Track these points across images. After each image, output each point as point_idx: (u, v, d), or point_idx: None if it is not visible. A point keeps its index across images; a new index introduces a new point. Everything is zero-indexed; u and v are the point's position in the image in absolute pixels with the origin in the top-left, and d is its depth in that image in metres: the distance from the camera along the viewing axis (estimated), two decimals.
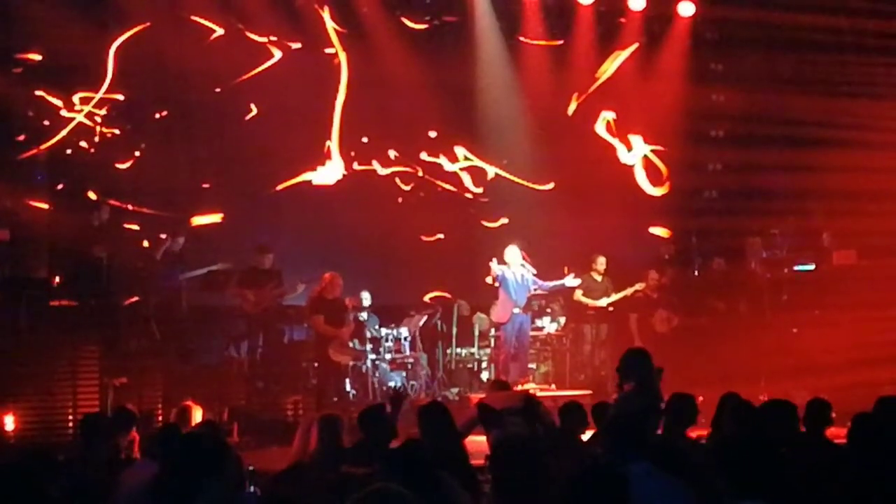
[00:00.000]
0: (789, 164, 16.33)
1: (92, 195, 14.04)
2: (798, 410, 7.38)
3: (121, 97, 14.57)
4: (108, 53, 14.36)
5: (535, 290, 15.29)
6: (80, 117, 14.24)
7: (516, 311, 14.96)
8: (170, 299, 14.35)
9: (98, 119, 14.41)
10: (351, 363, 14.87)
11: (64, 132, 14.03)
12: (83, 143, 14.32)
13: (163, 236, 14.51)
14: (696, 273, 16.82)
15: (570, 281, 15.40)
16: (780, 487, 4.82)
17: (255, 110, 15.50)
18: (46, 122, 13.97)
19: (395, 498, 4.10)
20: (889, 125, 15.76)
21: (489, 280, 15.19)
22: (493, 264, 14.90)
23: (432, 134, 16.93)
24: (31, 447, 10.48)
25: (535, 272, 15.33)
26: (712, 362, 14.70)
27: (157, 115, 15.12)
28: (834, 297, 15.03)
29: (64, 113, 14.09)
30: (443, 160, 17.00)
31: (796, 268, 15.67)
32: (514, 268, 15.04)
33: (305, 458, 7.72)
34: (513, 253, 15.12)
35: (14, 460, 7.26)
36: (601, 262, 16.09)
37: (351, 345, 14.96)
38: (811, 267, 15.52)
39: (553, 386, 15.41)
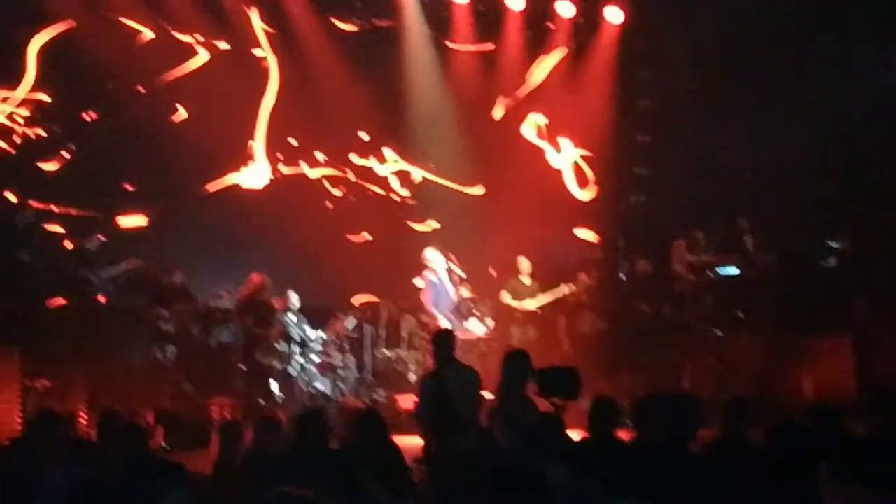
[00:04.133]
0: (713, 170, 16.57)
1: (12, 196, 13.80)
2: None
3: (46, 98, 14.35)
4: (27, 52, 14.14)
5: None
6: None
7: (443, 321, 15.07)
8: (93, 301, 14.18)
9: (20, 120, 14.18)
10: (278, 366, 14.80)
11: None
12: (3, 145, 14.08)
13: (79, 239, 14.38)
14: (623, 276, 16.95)
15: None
16: (654, 488, 4.91)
17: (182, 112, 15.36)
18: None
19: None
20: None
21: (418, 283, 15.27)
22: (426, 273, 15.03)
23: (364, 136, 16.92)
24: None
25: (464, 276, 15.45)
26: (636, 366, 14.88)
27: (86, 117, 14.92)
28: (757, 299, 15.26)
29: None
30: (373, 162, 17.00)
31: (720, 271, 15.84)
32: (440, 273, 15.15)
33: (234, 460, 7.71)
34: (434, 256, 15.18)
35: None
36: (525, 264, 16.15)
37: (278, 347, 14.90)
38: (735, 271, 15.70)
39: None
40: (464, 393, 9.09)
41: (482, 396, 9.44)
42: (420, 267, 15.50)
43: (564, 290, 16.04)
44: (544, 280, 16.38)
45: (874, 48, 15.97)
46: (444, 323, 14.98)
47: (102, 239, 14.42)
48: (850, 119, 16.00)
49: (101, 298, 14.11)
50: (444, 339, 9.94)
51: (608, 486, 5.06)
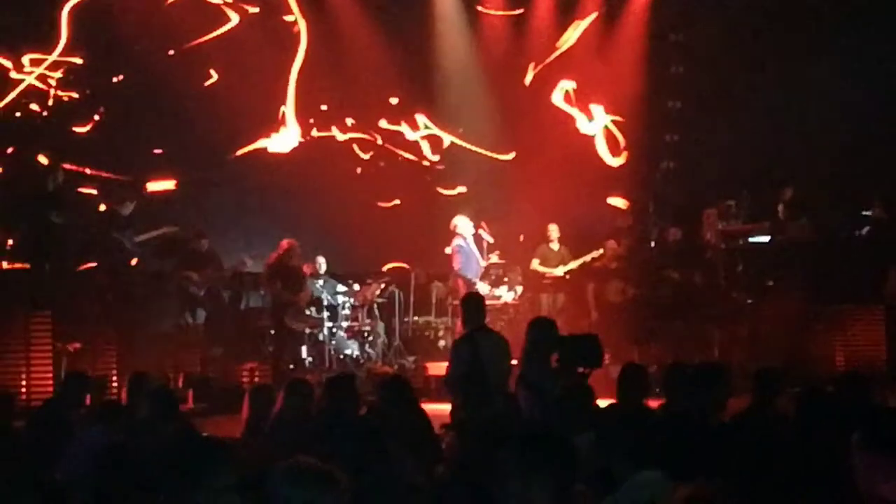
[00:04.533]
0: (746, 137, 16.45)
1: (44, 159, 13.85)
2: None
3: (79, 61, 14.37)
4: (61, 15, 14.15)
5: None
6: (30, 79, 14.03)
7: (480, 284, 15.10)
8: (125, 264, 14.23)
9: (52, 82, 14.22)
10: (307, 331, 14.86)
11: (13, 95, 13.83)
12: (34, 106, 14.12)
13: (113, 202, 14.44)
14: (653, 244, 16.87)
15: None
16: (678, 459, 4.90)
17: (214, 76, 15.37)
18: None
19: (330, 479, 4.15)
20: None
21: (448, 251, 15.29)
22: (455, 239, 15.05)
23: (394, 101, 16.89)
24: None
25: (492, 241, 15.48)
26: (666, 334, 14.85)
27: (115, 80, 14.95)
28: (788, 268, 15.19)
29: (13, 75, 13.88)
30: (404, 128, 16.97)
31: (751, 239, 15.76)
32: (468, 239, 15.16)
33: (265, 424, 7.73)
34: (463, 223, 15.19)
35: None
36: (554, 230, 16.13)
37: (308, 312, 14.95)
38: (766, 239, 15.62)
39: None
40: (496, 359, 9.08)
41: (511, 365, 9.42)
42: (450, 234, 15.49)
43: (594, 254, 16.00)
44: (574, 247, 16.34)
45: None
46: (480, 287, 15.01)
47: (131, 206, 14.43)
48: (887, 86, 15.83)
49: (133, 262, 14.15)
50: (474, 302, 9.91)
51: (634, 454, 5.03)
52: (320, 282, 15.39)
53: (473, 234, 15.35)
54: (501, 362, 9.18)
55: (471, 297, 10.59)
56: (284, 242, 14.77)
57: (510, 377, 9.00)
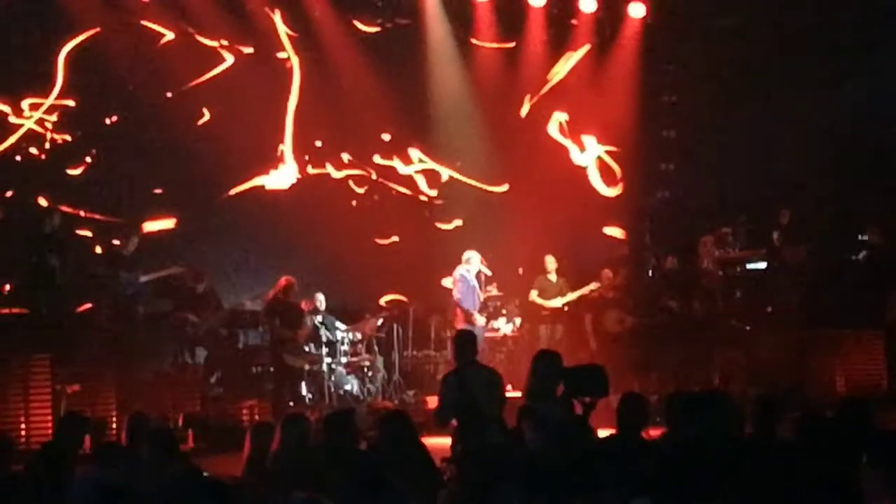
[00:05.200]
0: (740, 164, 16.48)
1: (43, 201, 13.89)
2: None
3: (71, 103, 14.41)
4: (58, 59, 14.22)
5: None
6: (29, 123, 14.10)
7: (478, 316, 15.13)
8: (124, 305, 14.22)
9: (48, 125, 14.27)
10: (307, 367, 14.82)
11: (13, 139, 13.87)
12: (33, 150, 14.19)
13: (116, 242, 14.43)
14: (650, 273, 16.88)
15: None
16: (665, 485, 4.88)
17: (207, 115, 15.41)
18: None
19: None
20: None
21: (447, 283, 15.31)
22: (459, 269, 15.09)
23: (386, 137, 17.00)
24: None
25: (490, 273, 15.50)
26: (666, 362, 14.83)
27: (108, 121, 14.99)
28: (786, 294, 15.18)
29: (13, 119, 13.93)
30: (396, 163, 17.05)
31: (749, 266, 15.76)
32: (472, 273, 15.19)
33: (266, 459, 7.70)
34: (473, 256, 15.24)
35: None
36: (551, 262, 16.16)
37: (306, 348, 14.92)
38: (763, 265, 15.62)
39: (510, 387, 15.39)
40: (486, 391, 9.05)
41: (504, 396, 9.38)
42: (447, 267, 15.51)
43: (592, 286, 16.01)
44: (571, 276, 16.35)
45: None
46: (478, 319, 15.03)
47: (136, 241, 14.47)
48: (881, 112, 15.85)
49: (132, 303, 14.14)
50: (464, 338, 9.89)
51: (631, 484, 5.00)
52: (319, 318, 15.36)
53: (477, 273, 15.36)
54: (492, 394, 9.15)
55: (462, 333, 10.58)
56: (283, 280, 14.77)
57: (503, 408, 8.98)
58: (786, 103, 16.35)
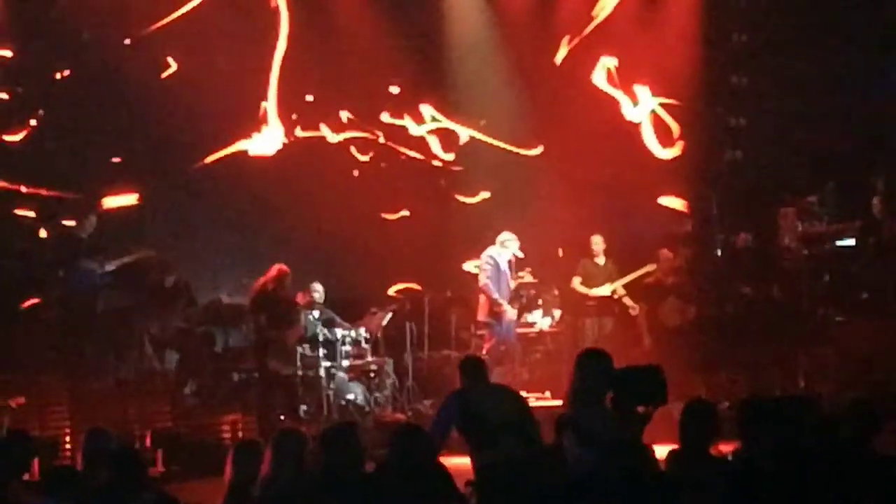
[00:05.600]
0: (827, 118, 16.40)
1: None
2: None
3: (8, 53, 14.45)
4: None
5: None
6: None
7: (507, 307, 15.19)
8: (79, 300, 14.26)
9: None
10: (300, 373, 14.86)
11: None
12: None
13: (68, 223, 14.47)
14: (718, 252, 16.87)
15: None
16: None
17: (173, 65, 15.43)
18: None
19: None
20: None
21: (470, 267, 15.35)
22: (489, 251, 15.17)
23: (394, 90, 16.99)
24: None
25: (522, 256, 15.51)
26: (738, 361, 14.83)
27: (58, 76, 15.02)
28: (885, 277, 15.15)
29: None
30: (407, 122, 17.05)
31: (839, 243, 15.74)
32: (505, 254, 15.23)
33: (252, 487, 7.73)
34: (510, 239, 15.32)
35: None
36: (598, 242, 16.25)
37: (300, 350, 14.95)
38: (854, 243, 15.61)
39: (548, 394, 15.45)
40: (497, 405, 9.10)
41: (525, 405, 9.42)
42: (470, 248, 15.57)
43: (647, 268, 16.02)
44: (621, 259, 16.39)
45: None
46: (507, 311, 15.06)
47: (93, 221, 14.50)
48: None
49: (89, 298, 14.18)
50: (471, 366, 9.82)
51: None
52: (316, 313, 15.39)
53: (510, 258, 15.38)
54: (505, 406, 9.20)
55: (469, 360, 10.50)
56: (274, 269, 14.77)
57: (525, 418, 9.02)
58: (880, 41, 16.24)
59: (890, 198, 15.65)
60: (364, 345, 15.59)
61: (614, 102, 16.85)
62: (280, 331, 14.73)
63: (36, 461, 9.04)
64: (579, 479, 6.85)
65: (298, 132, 16.33)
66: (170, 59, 15.44)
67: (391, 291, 16.44)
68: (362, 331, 15.56)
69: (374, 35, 16.33)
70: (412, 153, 17.13)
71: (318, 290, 15.50)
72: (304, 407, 14.88)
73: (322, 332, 15.16)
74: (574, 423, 7.87)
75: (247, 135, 15.85)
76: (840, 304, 15.32)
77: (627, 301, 16.10)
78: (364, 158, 16.97)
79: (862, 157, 16.26)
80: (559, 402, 9.58)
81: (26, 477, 8.66)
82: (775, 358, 14.77)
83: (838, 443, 7.32)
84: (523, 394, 14.68)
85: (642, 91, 16.82)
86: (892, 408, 9.21)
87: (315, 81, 16.41)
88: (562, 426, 7.94)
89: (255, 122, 15.90)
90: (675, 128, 16.74)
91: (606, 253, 16.33)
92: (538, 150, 17.04)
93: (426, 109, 17.10)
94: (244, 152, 15.85)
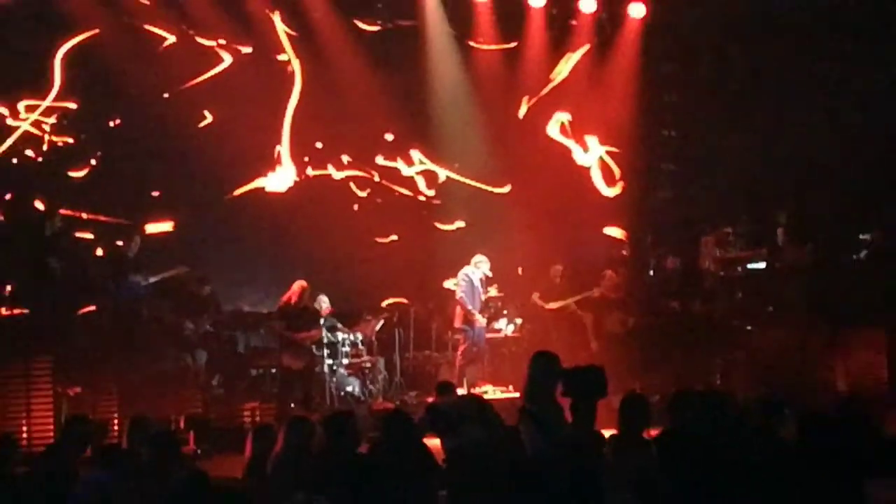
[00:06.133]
0: (742, 164, 16.46)
1: (39, 204, 13.87)
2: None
3: (73, 105, 14.40)
4: (55, 61, 14.20)
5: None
6: (25, 125, 14.05)
7: (479, 316, 15.23)
8: (126, 308, 14.22)
9: (46, 128, 14.24)
10: (309, 370, 14.81)
11: (9, 142, 13.85)
12: (29, 152, 14.13)
13: (119, 243, 14.44)
14: (651, 273, 16.90)
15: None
16: None
17: (209, 117, 15.43)
18: None
19: None
20: None
21: (449, 284, 15.36)
22: (465, 270, 15.15)
23: (389, 137, 16.98)
24: None
25: (490, 275, 15.53)
26: (667, 363, 14.83)
27: (112, 124, 14.99)
28: (787, 293, 15.17)
29: (10, 122, 13.91)
30: (399, 164, 17.05)
31: (750, 266, 15.76)
32: (478, 273, 15.23)
33: (266, 463, 7.72)
34: (483, 260, 15.35)
35: None
36: (556, 271, 16.24)
37: (311, 350, 14.90)
38: (762, 265, 15.63)
39: (511, 387, 15.43)
40: (457, 405, 8.97)
41: (483, 404, 9.24)
42: (448, 269, 15.58)
43: (594, 293, 16.02)
44: (573, 279, 16.37)
45: None
46: (479, 319, 15.16)
47: (138, 241, 14.48)
48: (881, 113, 15.81)
49: (135, 306, 14.14)
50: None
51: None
52: (322, 320, 15.37)
53: (481, 276, 15.40)
54: (463, 404, 9.10)
55: (434, 408, 9.99)
56: (297, 285, 14.74)
57: (483, 407, 8.94)
58: (787, 102, 16.29)
59: (791, 229, 15.73)
60: (360, 346, 15.55)
61: (567, 150, 16.93)
62: (296, 333, 14.69)
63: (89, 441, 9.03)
64: (534, 459, 6.88)
65: (308, 171, 16.34)
66: (206, 112, 15.42)
67: (383, 304, 16.41)
68: (359, 335, 15.54)
69: (371, 92, 16.26)
70: (402, 190, 17.13)
71: (324, 301, 15.46)
72: (311, 397, 14.81)
73: (326, 336, 15.13)
74: (529, 413, 7.89)
75: (264, 174, 15.86)
76: (750, 317, 15.27)
77: (578, 312, 16.09)
78: (362, 194, 16.96)
79: (768, 196, 16.31)
80: (518, 395, 9.53)
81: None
82: (697, 360, 14.72)
83: (748, 430, 7.36)
84: (490, 387, 14.90)
85: (591, 141, 16.91)
86: (791, 401, 9.25)
87: (322, 130, 16.37)
88: (520, 415, 7.96)
89: (271, 163, 15.92)
90: (617, 171, 16.83)
91: (562, 275, 16.35)
92: (505, 189, 17.06)
93: (415, 154, 17.12)
94: (262, 188, 15.86)
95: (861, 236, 15.57)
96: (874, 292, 14.47)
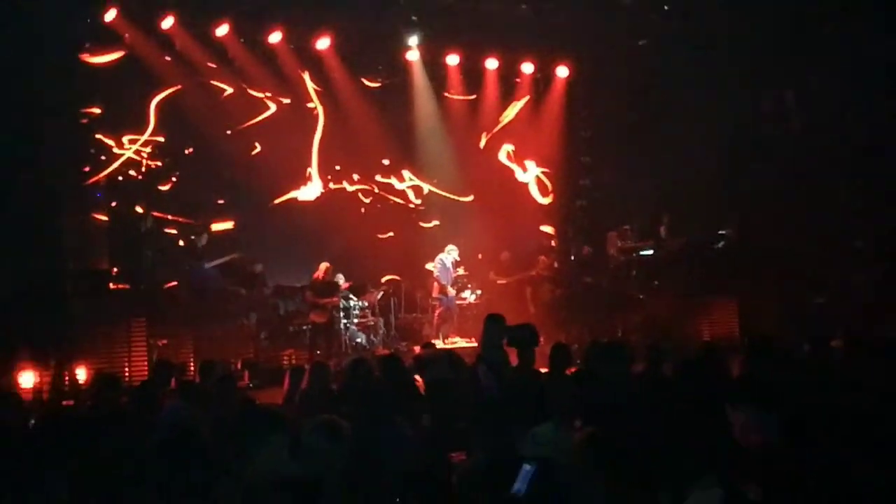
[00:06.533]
0: (638, 181, 16.46)
1: (139, 209, 13.83)
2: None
3: (161, 139, 14.33)
4: (150, 106, 14.14)
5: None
6: (128, 153, 13.98)
7: (451, 289, 15.18)
8: (199, 282, 14.18)
9: (144, 155, 14.18)
10: (331, 326, 14.80)
11: (116, 164, 13.77)
12: (132, 172, 14.05)
13: (192, 238, 14.43)
14: (572, 258, 16.95)
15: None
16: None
17: (258, 147, 15.36)
18: (103, 157, 13.61)
19: (338, 428, 4.12)
20: None
21: (430, 266, 15.40)
22: (440, 256, 15.18)
23: (386, 161, 16.95)
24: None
25: (458, 259, 15.57)
26: (584, 321, 14.89)
27: (186, 152, 14.91)
28: (668, 272, 15.28)
29: (116, 150, 13.83)
30: (393, 180, 17.05)
31: (642, 253, 15.83)
32: (449, 258, 15.26)
33: (296, 395, 7.71)
34: (453, 249, 15.39)
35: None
36: (506, 256, 16.35)
37: (333, 313, 14.87)
38: (651, 252, 15.70)
39: (473, 340, 15.43)
40: (429, 357, 8.47)
41: (451, 355, 8.94)
42: (429, 255, 15.61)
43: (532, 272, 16.09)
44: (516, 261, 16.43)
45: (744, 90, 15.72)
46: (450, 291, 15.12)
47: (205, 238, 14.49)
48: (737, 139, 15.74)
49: (204, 281, 14.11)
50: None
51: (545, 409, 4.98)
52: (339, 291, 15.31)
53: (453, 260, 15.43)
54: (434, 355, 8.73)
55: (417, 356, 9.24)
56: (323, 265, 14.78)
57: (452, 359, 8.78)
58: (669, 135, 16.17)
59: (671, 227, 15.80)
60: (367, 310, 15.55)
61: (512, 171, 16.97)
62: (322, 299, 14.65)
63: (172, 379, 9.00)
64: (487, 395, 6.91)
65: (330, 185, 16.30)
66: (256, 144, 15.36)
67: (383, 280, 16.41)
68: (366, 302, 15.53)
69: (373, 129, 16.23)
70: (396, 199, 17.11)
71: (341, 278, 15.42)
72: (332, 346, 14.79)
73: (342, 302, 15.11)
74: (483, 359, 7.91)
75: (298, 187, 15.82)
76: (642, 288, 15.38)
77: (521, 285, 16.10)
78: (367, 201, 16.93)
79: (656, 203, 16.33)
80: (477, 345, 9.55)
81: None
82: (604, 319, 14.80)
83: (638, 368, 7.41)
84: (458, 338, 14.90)
85: (530, 164, 16.95)
86: (671, 349, 9.28)
87: (339, 156, 16.32)
88: (477, 359, 7.99)
89: (303, 179, 15.87)
90: (548, 185, 16.86)
91: (509, 260, 16.37)
92: (469, 198, 17.05)
93: (405, 173, 17.11)
94: (296, 198, 15.82)
95: (720, 232, 15.65)
96: (729, 272, 14.58)
